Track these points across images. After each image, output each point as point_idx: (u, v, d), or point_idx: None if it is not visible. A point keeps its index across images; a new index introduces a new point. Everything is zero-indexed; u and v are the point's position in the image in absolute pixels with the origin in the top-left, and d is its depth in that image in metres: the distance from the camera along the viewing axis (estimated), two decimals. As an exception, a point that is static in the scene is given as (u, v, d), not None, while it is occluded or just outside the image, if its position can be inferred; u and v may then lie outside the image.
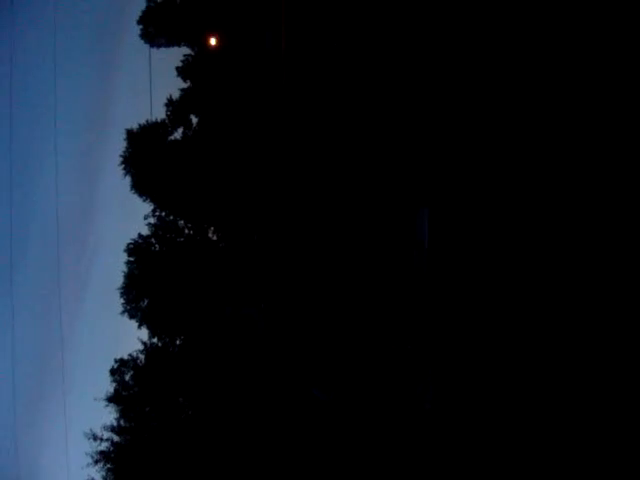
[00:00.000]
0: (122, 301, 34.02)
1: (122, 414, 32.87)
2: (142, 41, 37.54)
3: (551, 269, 23.77)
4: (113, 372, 33.77)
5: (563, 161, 23.64)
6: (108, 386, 33.55)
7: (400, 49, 28.53)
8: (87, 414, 36.00)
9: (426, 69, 27.21)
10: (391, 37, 28.35)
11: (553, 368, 22.54)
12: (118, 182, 35.37)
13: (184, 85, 35.62)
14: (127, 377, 33.60)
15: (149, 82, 37.89)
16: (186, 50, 36.38)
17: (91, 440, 32.56)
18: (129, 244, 33.80)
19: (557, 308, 23.26)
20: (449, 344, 26.89)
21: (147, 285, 32.97)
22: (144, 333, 34.00)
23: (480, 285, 25.87)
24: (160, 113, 35.40)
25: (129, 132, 35.04)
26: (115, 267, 34.03)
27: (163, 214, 33.37)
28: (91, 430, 32.66)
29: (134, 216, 34.30)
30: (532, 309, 24.39)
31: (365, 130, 27.94)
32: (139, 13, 36.94)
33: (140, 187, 33.89)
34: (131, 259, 33.51)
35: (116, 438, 32.73)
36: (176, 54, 36.54)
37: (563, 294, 23.09)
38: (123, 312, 34.28)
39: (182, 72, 35.63)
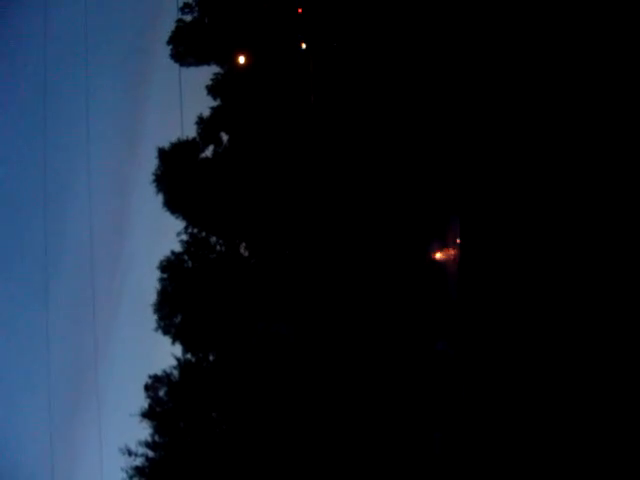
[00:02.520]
0: (156, 317, 34.32)
1: (156, 430, 33.01)
2: (172, 61, 37.95)
3: (576, 274, 23.61)
4: (147, 388, 33.95)
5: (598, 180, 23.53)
6: (142, 402, 33.78)
7: (435, 60, 28.56)
8: (122, 430, 36.24)
9: (459, 85, 27.25)
10: (424, 51, 28.41)
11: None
12: (150, 200, 35.81)
13: (214, 103, 35.97)
14: (161, 393, 33.77)
15: (179, 101, 38.36)
16: (216, 69, 36.74)
17: (126, 455, 32.72)
18: (162, 261, 34.12)
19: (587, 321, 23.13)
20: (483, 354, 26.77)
21: (180, 301, 33.25)
22: (178, 349, 34.26)
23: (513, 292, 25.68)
24: (191, 131, 35.83)
25: (161, 150, 35.48)
26: (148, 284, 34.33)
27: (195, 231, 33.67)
28: (126, 445, 32.81)
29: (166, 233, 34.63)
30: (571, 329, 24.14)
31: (394, 144, 28.01)
32: (169, 34, 37.45)
33: (172, 205, 34.27)
34: (164, 276, 33.80)
35: (151, 453, 32.86)
36: (206, 73, 36.91)
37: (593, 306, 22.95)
38: (157, 328, 34.52)
39: (212, 90, 35.97)
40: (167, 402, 33.53)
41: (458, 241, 29.66)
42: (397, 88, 28.32)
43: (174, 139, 35.55)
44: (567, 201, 25.12)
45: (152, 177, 35.35)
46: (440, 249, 30.19)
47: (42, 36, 46.11)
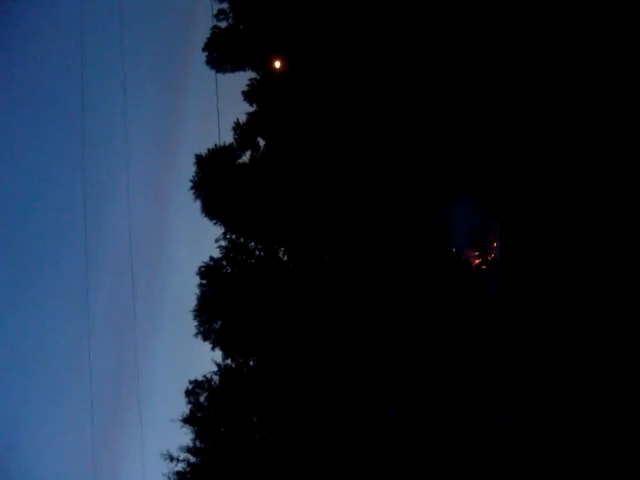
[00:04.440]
0: (196, 323, 34.53)
1: (197, 435, 33.15)
2: (208, 67, 38.18)
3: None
4: (188, 393, 34.13)
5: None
6: (184, 407, 33.96)
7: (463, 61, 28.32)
8: (163, 435, 36.49)
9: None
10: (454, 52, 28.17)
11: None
12: (189, 206, 36.00)
13: (250, 109, 36.08)
14: (202, 398, 33.91)
15: (216, 107, 38.52)
16: (251, 74, 36.86)
17: (167, 461, 32.92)
18: (201, 267, 34.25)
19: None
20: (527, 356, 26.38)
21: (220, 307, 33.33)
22: (218, 354, 34.39)
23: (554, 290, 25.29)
24: (228, 137, 35.97)
25: (198, 157, 35.65)
26: (188, 290, 34.49)
27: (234, 236, 33.75)
28: (167, 451, 33.02)
29: (205, 239, 34.78)
30: (610, 322, 23.71)
31: (434, 149, 27.77)
32: (205, 40, 37.69)
33: (211, 211, 34.40)
34: (203, 282, 33.95)
35: (192, 459, 33.02)
36: (242, 78, 37.05)
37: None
38: (197, 334, 34.72)
39: (248, 96, 36.10)
40: (208, 407, 33.65)
41: (495, 245, 29.43)
42: (435, 93, 28.06)
43: (211, 145, 35.82)
44: (612, 207, 24.71)
45: (190, 184, 35.59)
46: (480, 254, 29.88)
47: (79, 45, 46.67)
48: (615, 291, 24.27)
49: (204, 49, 37.54)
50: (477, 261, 29.89)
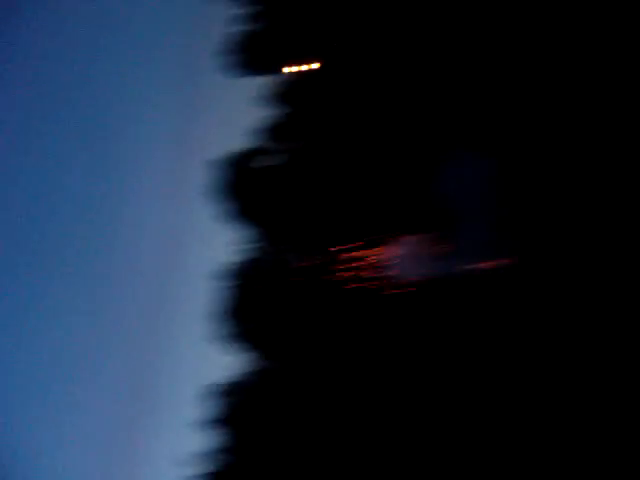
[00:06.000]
0: (214, 326, 34.50)
1: (214, 440, 33.10)
2: (226, 71, 38.19)
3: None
4: (205, 398, 34.08)
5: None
6: (200, 411, 33.86)
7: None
8: (179, 439, 36.39)
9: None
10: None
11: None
12: (207, 210, 35.99)
13: (268, 112, 36.10)
14: (219, 403, 33.87)
15: (234, 111, 38.57)
16: (270, 78, 36.86)
17: (183, 465, 32.82)
18: (219, 270, 34.26)
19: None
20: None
21: (240, 310, 33.38)
22: (236, 358, 34.30)
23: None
24: (246, 141, 35.99)
25: (216, 161, 35.73)
26: (207, 293, 34.43)
27: (262, 239, 33.86)
28: (184, 455, 32.93)
29: (225, 243, 34.71)
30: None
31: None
32: (221, 45, 37.71)
33: (232, 214, 34.48)
34: (222, 285, 33.95)
35: (209, 463, 32.95)
36: (260, 82, 37.04)
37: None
38: (214, 337, 34.72)
39: (266, 99, 36.13)
40: (225, 412, 33.59)
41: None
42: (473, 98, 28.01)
43: (230, 149, 35.85)
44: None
45: (208, 187, 35.62)
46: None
47: (92, 48, 46.68)
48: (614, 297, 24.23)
49: (222, 53, 37.60)
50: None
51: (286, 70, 35.11)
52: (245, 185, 33.95)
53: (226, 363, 33.70)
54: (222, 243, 33.09)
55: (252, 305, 32.81)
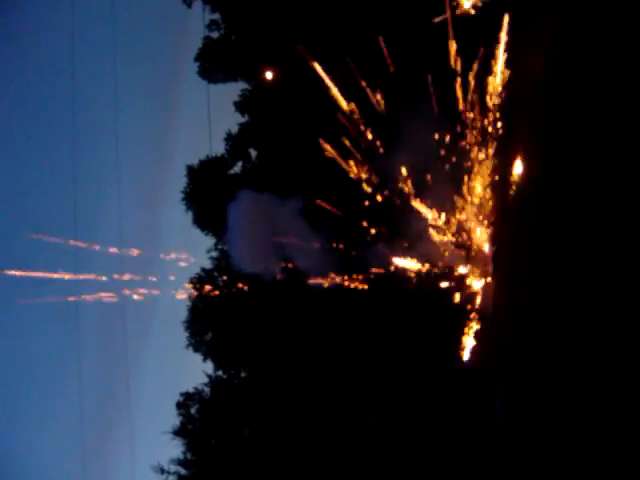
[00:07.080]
0: (187, 335, 34.50)
1: (188, 447, 33.03)
2: (200, 78, 38.15)
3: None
4: (179, 405, 34.08)
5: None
6: (174, 419, 33.86)
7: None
8: (154, 447, 36.34)
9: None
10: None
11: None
12: (180, 217, 36.01)
13: (242, 119, 36.07)
14: (193, 410, 33.84)
15: (207, 117, 38.55)
16: (243, 85, 36.85)
17: (158, 473, 32.78)
18: (192, 278, 34.15)
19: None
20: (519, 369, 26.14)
21: (211, 318, 33.31)
22: (209, 366, 34.33)
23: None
24: (219, 148, 35.99)
25: (190, 168, 35.71)
26: (179, 301, 34.37)
27: (225, 247, 33.72)
28: (158, 463, 32.88)
29: (196, 250, 34.67)
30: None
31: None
32: (196, 51, 37.67)
33: (202, 222, 34.44)
34: (195, 293, 33.84)
35: (183, 471, 32.90)
36: (234, 89, 37.04)
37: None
38: (188, 345, 34.73)
39: (240, 106, 36.06)
40: (199, 419, 33.54)
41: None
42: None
43: (203, 156, 35.80)
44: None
45: (181, 195, 35.56)
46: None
47: (70, 52, 46.65)
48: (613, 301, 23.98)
49: (196, 59, 37.54)
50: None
51: (253, 77, 35.14)
52: (208, 192, 33.92)
53: (194, 372, 33.75)
54: (190, 250, 33.06)
55: (213, 313, 32.81)
